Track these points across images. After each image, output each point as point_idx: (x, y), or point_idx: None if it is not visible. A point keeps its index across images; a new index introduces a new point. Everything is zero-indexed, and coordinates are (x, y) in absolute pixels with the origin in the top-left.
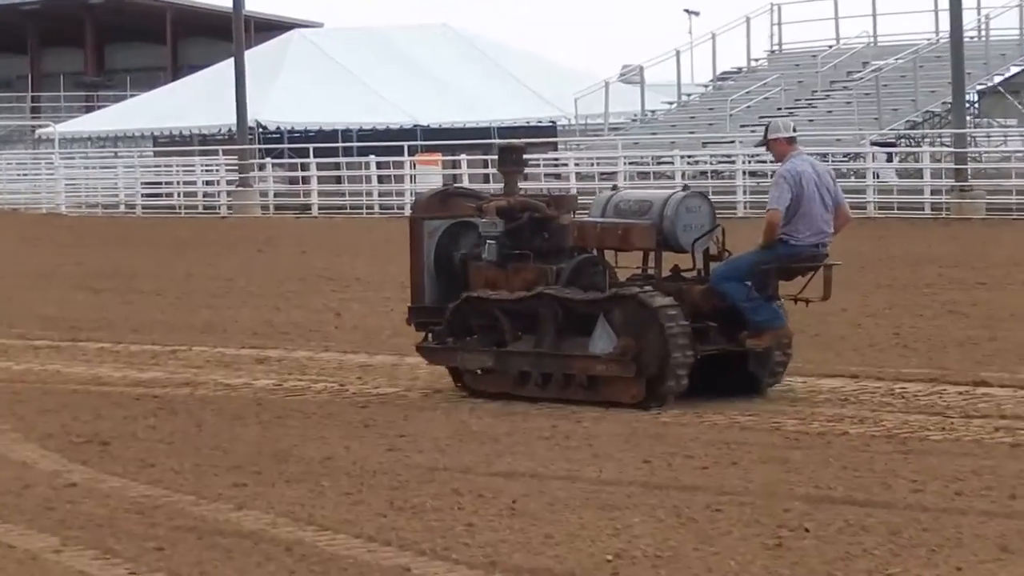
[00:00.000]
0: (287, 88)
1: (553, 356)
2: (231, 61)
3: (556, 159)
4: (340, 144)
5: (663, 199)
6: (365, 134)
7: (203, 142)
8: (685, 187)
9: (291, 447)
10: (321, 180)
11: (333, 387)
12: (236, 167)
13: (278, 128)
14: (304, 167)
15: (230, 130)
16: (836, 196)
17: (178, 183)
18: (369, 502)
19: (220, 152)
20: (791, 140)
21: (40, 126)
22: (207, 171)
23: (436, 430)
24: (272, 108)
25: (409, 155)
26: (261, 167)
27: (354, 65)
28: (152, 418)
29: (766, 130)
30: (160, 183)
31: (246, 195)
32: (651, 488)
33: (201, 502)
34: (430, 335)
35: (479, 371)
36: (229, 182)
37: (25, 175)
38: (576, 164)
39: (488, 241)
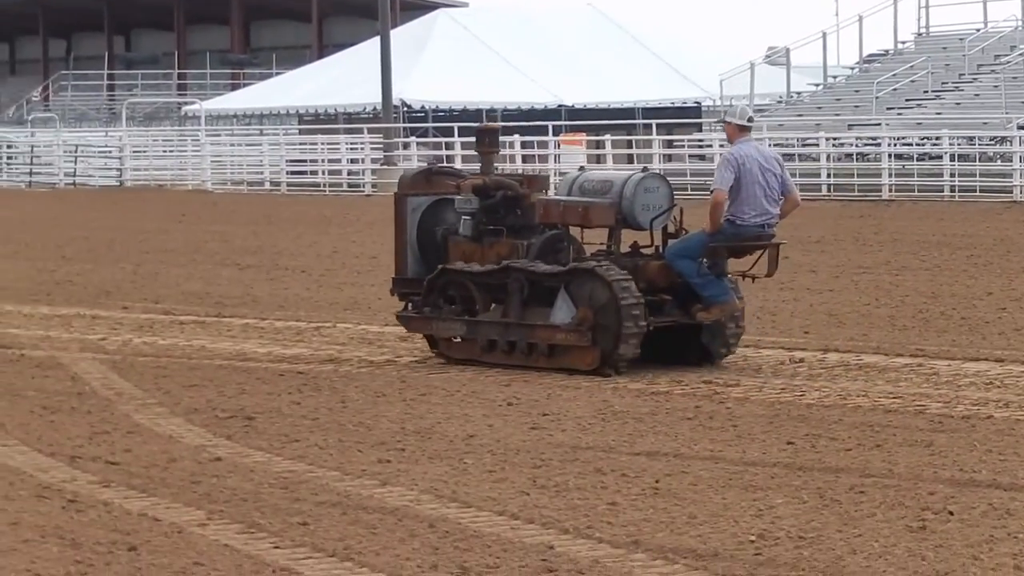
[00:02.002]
0: (432, 67)
1: (518, 325)
2: (376, 40)
3: (700, 140)
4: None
5: (623, 180)
6: (509, 113)
7: (348, 120)
8: (644, 169)
9: (434, 424)
10: (465, 159)
11: (476, 365)
12: (381, 145)
13: (423, 107)
14: (448, 146)
15: (375, 108)
16: (784, 181)
17: (323, 161)
18: (512, 480)
19: (365, 130)
20: (743, 128)
21: (186, 103)
22: (352, 149)
23: (578, 409)
24: (417, 87)
25: (553, 135)
26: (405, 145)
27: (499, 44)
28: (296, 394)
29: (725, 112)
30: (305, 161)
31: (390, 173)
32: (794, 469)
33: (345, 478)
34: (410, 305)
35: (456, 339)
36: (374, 160)
37: (171, 152)
38: (721, 145)
39: (464, 217)
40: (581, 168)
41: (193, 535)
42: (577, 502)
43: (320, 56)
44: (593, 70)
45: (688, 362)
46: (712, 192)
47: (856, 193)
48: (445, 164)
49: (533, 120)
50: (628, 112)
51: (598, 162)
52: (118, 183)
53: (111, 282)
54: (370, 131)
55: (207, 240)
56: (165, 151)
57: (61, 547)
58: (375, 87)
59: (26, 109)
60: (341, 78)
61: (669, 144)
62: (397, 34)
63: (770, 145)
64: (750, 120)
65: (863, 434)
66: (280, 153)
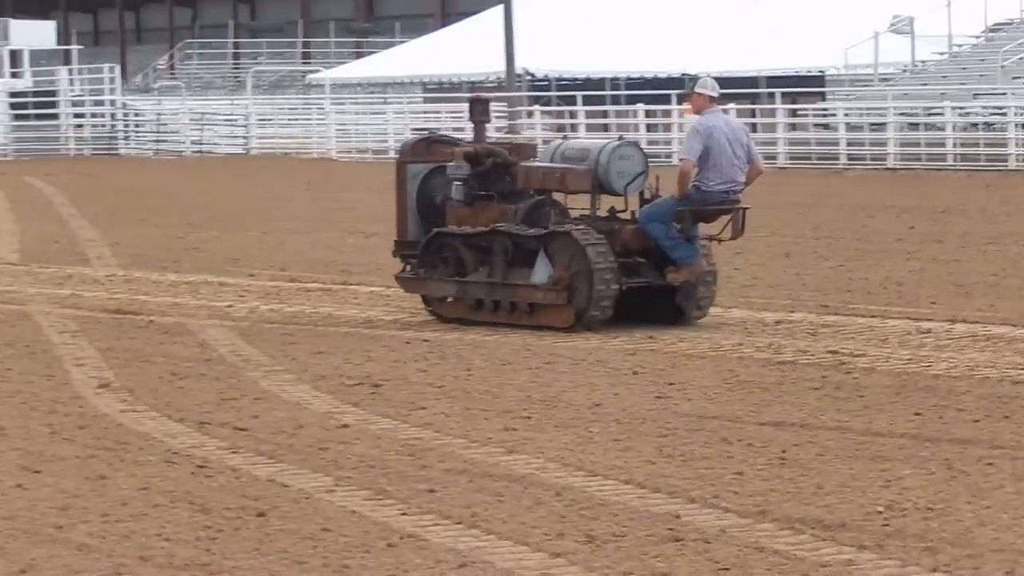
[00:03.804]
0: (556, 36)
1: (501, 285)
2: (500, 8)
3: (825, 109)
4: (608, 92)
5: (599, 147)
6: (633, 82)
7: (471, 89)
8: (620, 137)
9: (560, 393)
10: (589, 128)
11: (601, 335)
12: (505, 114)
13: (546, 76)
14: (572, 114)
15: (499, 77)
16: (750, 150)
17: (447, 130)
18: (638, 449)
19: None
20: (712, 98)
21: (310, 72)
22: None
23: (704, 378)
24: (541, 56)
25: (677, 104)
26: (529, 114)
27: (623, 13)
28: (422, 361)
29: (693, 84)
30: (429, 130)
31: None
32: (922, 440)
33: (471, 445)
34: (408, 267)
35: (448, 298)
36: (497, 129)
37: (296, 120)
38: (845, 115)
39: (455, 182)
40: (565, 137)
41: (321, 501)
42: (703, 471)
43: (443, 25)
44: (717, 38)
45: (663, 322)
46: (680, 162)
47: (982, 163)
48: (445, 134)
49: (657, 89)
50: (752, 81)
51: None
52: (244, 151)
53: (238, 249)
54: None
55: (332, 208)
56: (290, 119)
57: (191, 512)
58: (499, 56)
59: (152, 77)
60: (465, 47)
61: (793, 113)
62: (521, 2)
63: (895, 114)
64: (718, 93)
65: (991, 405)
66: (404, 122)
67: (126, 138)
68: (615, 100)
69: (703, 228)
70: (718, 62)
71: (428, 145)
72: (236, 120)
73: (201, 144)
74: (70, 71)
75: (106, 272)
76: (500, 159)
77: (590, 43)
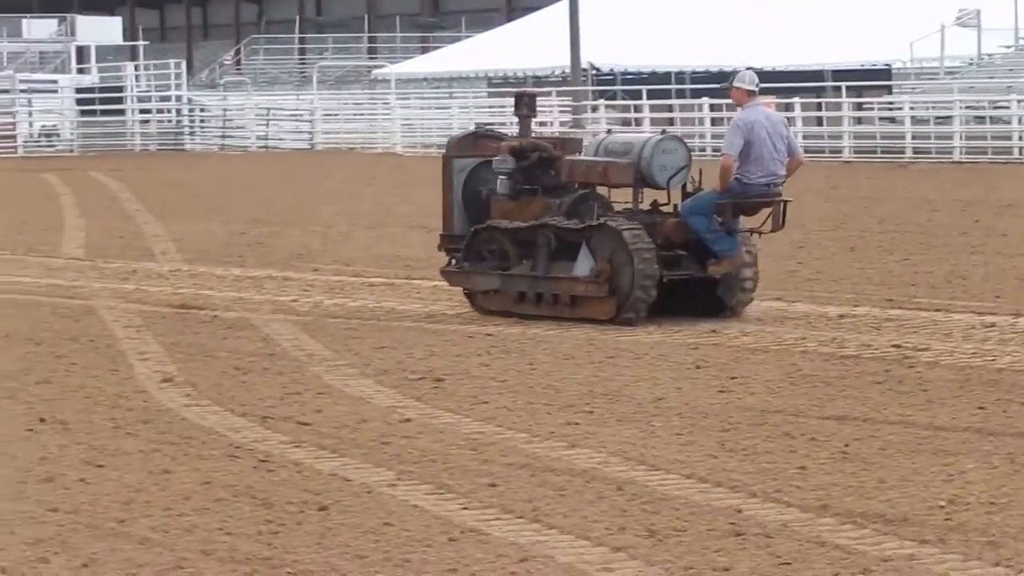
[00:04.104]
0: (621, 30)
1: (544, 278)
2: (566, 2)
3: (891, 103)
4: (673, 86)
5: (642, 141)
6: (698, 76)
7: (537, 83)
8: (663, 131)
9: (622, 387)
10: (654, 122)
11: (663, 327)
12: (570, 109)
13: (611, 70)
14: (637, 108)
15: (564, 72)
16: (790, 143)
17: (512, 124)
18: (700, 443)
19: (553, 94)
20: (751, 92)
21: (376, 67)
22: (540, 112)
23: (767, 372)
24: (606, 50)
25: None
26: (594, 109)
27: (688, 7)
28: (485, 356)
29: (733, 77)
30: (494, 124)
31: (579, 137)
32: (985, 435)
33: (533, 440)
34: (453, 261)
35: (493, 291)
36: (562, 123)
37: (361, 115)
38: (911, 108)
39: (500, 177)
40: (609, 131)
41: (383, 495)
42: (766, 466)
43: (509, 19)
44: (782, 32)
45: (704, 314)
46: (722, 156)
47: None
48: (491, 129)
49: (722, 83)
50: (817, 74)
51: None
52: (309, 146)
53: (302, 244)
54: (559, 94)
55: (397, 203)
56: (355, 114)
57: (253, 506)
58: (564, 50)
59: (218, 73)
60: (530, 41)
61: (859, 107)
62: None
63: (961, 108)
64: (757, 86)
65: None
66: (469, 116)
67: (192, 133)
68: (680, 94)
69: (744, 221)
70: (784, 55)
71: (474, 140)
72: (301, 115)
73: (266, 139)
74: (136, 67)
75: (170, 267)
76: (545, 153)
77: (655, 37)
